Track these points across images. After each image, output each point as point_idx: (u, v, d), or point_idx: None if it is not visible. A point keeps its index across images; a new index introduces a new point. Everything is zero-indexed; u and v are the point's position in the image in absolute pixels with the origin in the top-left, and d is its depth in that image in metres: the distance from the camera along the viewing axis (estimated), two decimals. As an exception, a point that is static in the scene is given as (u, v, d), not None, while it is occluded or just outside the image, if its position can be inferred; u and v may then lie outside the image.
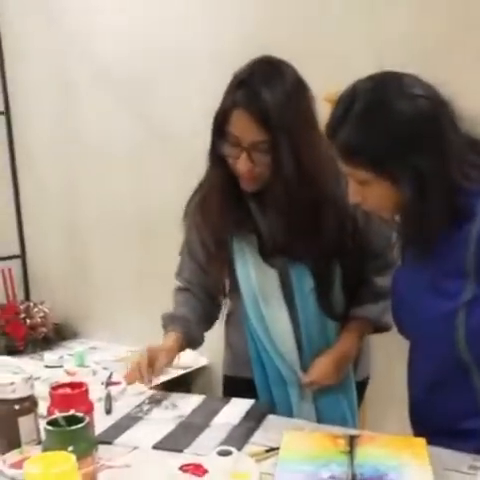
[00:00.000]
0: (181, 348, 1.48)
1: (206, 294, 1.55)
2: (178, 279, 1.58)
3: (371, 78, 1.09)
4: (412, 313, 1.17)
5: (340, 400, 1.46)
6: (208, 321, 1.56)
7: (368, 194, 1.10)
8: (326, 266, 1.40)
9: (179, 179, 1.71)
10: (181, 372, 2.48)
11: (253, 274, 1.41)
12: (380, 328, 1.50)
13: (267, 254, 1.41)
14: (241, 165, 1.32)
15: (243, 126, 1.30)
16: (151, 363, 1.40)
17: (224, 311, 1.57)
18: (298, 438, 1.15)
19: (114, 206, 2.68)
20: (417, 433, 1.25)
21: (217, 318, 1.57)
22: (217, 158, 1.37)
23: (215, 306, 1.56)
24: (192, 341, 1.52)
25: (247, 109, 1.29)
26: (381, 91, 1.07)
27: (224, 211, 1.41)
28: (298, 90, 1.33)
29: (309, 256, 1.38)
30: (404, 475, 1.00)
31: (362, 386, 1.55)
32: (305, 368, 1.44)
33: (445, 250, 1.10)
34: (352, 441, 1.12)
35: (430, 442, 1.11)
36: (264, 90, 1.28)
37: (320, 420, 1.43)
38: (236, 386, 1.54)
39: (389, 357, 1.84)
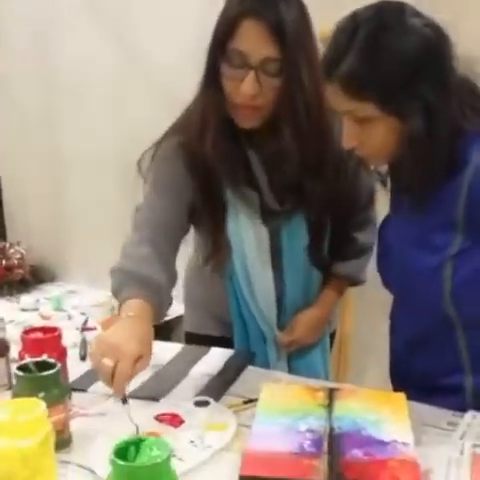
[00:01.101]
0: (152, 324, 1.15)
1: (169, 242, 1.28)
2: (138, 223, 1.28)
3: (371, 7, 1.04)
4: (398, 266, 1.17)
5: (315, 360, 1.47)
6: (174, 280, 1.28)
7: (368, 135, 1.06)
8: (322, 219, 1.38)
9: (161, 110, 1.62)
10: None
11: (244, 231, 1.35)
12: (357, 283, 1.51)
13: (264, 210, 1.35)
14: (247, 87, 1.18)
15: (254, 39, 1.16)
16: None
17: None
18: (277, 391, 1.15)
19: (94, 142, 2.63)
20: (397, 388, 1.26)
21: (177, 274, 1.31)
22: (213, 84, 1.23)
23: (174, 258, 1.30)
24: (162, 315, 1.22)
25: (260, 18, 1.15)
26: (385, 17, 1.01)
27: (219, 149, 1.26)
28: (307, 12, 1.23)
29: (310, 206, 1.34)
30: (382, 430, 1.01)
31: (331, 339, 1.56)
32: (283, 328, 1.44)
33: (434, 202, 1.09)
34: (331, 394, 1.13)
35: (410, 397, 1.12)
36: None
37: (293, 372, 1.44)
38: (198, 344, 1.50)
39: (372, 311, 1.86)
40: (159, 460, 0.76)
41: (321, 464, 0.92)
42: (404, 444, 0.97)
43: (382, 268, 1.24)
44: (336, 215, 1.40)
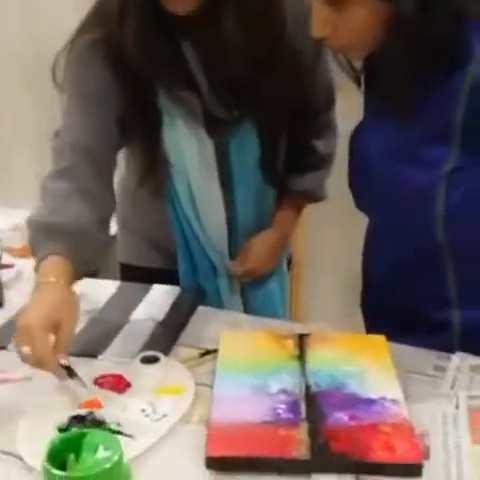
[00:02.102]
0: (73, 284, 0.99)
1: (97, 171, 1.08)
2: (57, 151, 1.09)
3: None
4: (379, 185, 1.02)
5: (272, 290, 1.34)
6: (107, 215, 1.12)
7: (344, 20, 0.87)
8: (275, 127, 1.20)
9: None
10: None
11: (185, 143, 1.17)
12: (317, 200, 1.36)
13: (207, 118, 1.16)
14: None
15: None
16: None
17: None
18: (238, 340, 1.01)
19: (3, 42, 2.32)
20: (371, 323, 1.15)
21: (113, 209, 1.15)
22: None
23: (109, 193, 1.13)
24: (91, 263, 1.07)
25: None
26: None
27: (143, 41, 1.05)
28: None
29: (260, 112, 1.16)
30: (366, 385, 0.89)
31: (288, 263, 1.43)
32: (235, 256, 1.29)
33: (426, 108, 0.93)
34: (301, 342, 0.99)
35: (388, 337, 1.01)
36: None
37: (248, 309, 1.31)
38: (136, 277, 1.34)
39: (325, 233, 1.74)
40: (108, 465, 0.61)
41: (301, 434, 0.79)
42: (394, 402, 0.86)
43: (357, 186, 1.09)
44: (291, 120, 1.23)
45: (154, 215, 1.28)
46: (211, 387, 0.91)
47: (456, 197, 0.95)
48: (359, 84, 1.06)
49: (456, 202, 0.95)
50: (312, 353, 0.96)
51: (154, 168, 1.19)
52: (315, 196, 1.34)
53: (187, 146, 1.17)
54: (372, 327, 1.14)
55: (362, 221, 1.12)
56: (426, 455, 0.78)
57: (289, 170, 1.29)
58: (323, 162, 1.32)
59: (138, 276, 1.33)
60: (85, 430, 0.65)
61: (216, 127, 1.17)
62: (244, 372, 0.92)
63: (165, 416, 0.86)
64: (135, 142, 1.19)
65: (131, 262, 1.39)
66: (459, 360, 1.00)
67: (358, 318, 1.18)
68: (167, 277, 1.27)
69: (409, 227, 1.01)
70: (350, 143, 1.10)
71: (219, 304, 1.28)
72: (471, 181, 0.94)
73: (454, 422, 0.85)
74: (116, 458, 0.61)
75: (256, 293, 1.33)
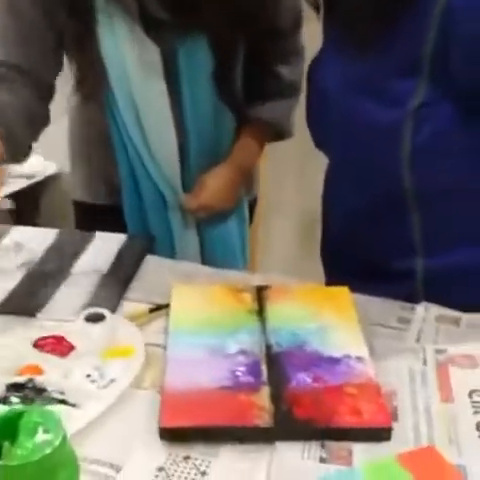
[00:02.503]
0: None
1: (31, 77, 1.10)
2: None
3: None
4: (341, 121, 0.95)
5: (230, 230, 1.27)
6: (36, 122, 1.14)
7: None
8: (228, 37, 1.11)
9: None
10: (26, 183, 2.17)
11: (125, 50, 1.07)
12: (282, 134, 1.28)
13: (146, 19, 1.06)
14: None
15: None
16: None
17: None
18: (192, 295, 0.94)
19: None
20: (331, 274, 1.11)
21: (47, 118, 1.17)
22: None
23: (43, 100, 1.15)
24: (16, 152, 1.09)
25: None
26: None
27: None
28: None
29: (214, 23, 1.07)
30: (329, 341, 0.84)
31: (251, 208, 1.36)
32: (189, 188, 1.22)
33: (393, 35, 0.86)
34: (260, 296, 0.94)
35: (350, 288, 0.96)
36: None
37: (205, 254, 1.25)
38: (93, 217, 1.29)
39: (281, 173, 1.67)
40: (49, 450, 0.54)
41: (262, 400, 0.74)
42: (358, 360, 0.81)
43: (315, 123, 1.02)
44: (251, 40, 1.14)
45: (102, 147, 1.20)
46: (163, 347, 0.85)
47: (423, 135, 0.89)
48: (318, 11, 0.98)
49: (423, 140, 0.89)
50: (272, 308, 0.91)
51: (90, 71, 1.12)
52: (279, 128, 1.26)
53: (126, 49, 1.09)
54: (332, 276, 1.09)
55: (320, 161, 1.06)
56: (394, 416, 0.75)
57: (250, 97, 1.22)
58: (288, 90, 1.24)
59: (91, 214, 1.27)
60: (21, 409, 0.58)
61: (158, 31, 1.08)
62: (199, 331, 0.86)
63: (113, 381, 0.80)
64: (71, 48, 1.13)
65: (84, 199, 1.32)
66: (424, 310, 0.96)
67: (316, 261, 1.14)
68: (117, 215, 1.22)
69: (372, 168, 0.95)
70: (308, 74, 1.03)
71: (171, 248, 1.22)
72: (439, 118, 0.88)
73: (422, 379, 0.81)
74: (58, 442, 0.55)
75: (212, 232, 1.27)
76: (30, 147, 1.14)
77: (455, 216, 0.95)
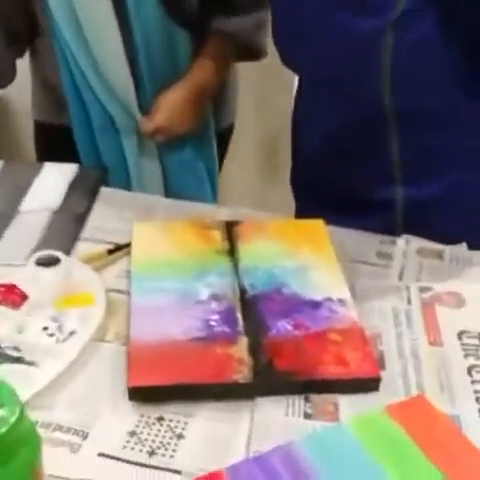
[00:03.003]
0: None
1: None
2: None
3: None
4: (313, 34, 0.87)
5: (196, 158, 1.19)
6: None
7: None
8: None
9: None
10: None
11: None
12: (251, 52, 1.19)
13: None
14: None
15: None
16: None
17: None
18: (154, 233, 0.87)
19: None
20: (303, 205, 1.05)
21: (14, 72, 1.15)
22: None
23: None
24: None
25: None
26: None
27: None
28: None
29: None
30: (308, 282, 0.79)
31: (224, 137, 1.28)
32: (145, 110, 1.13)
33: None
34: (230, 233, 0.87)
35: (325, 221, 0.90)
36: None
37: (169, 187, 1.18)
38: (53, 137, 1.22)
39: (255, 98, 1.58)
40: (4, 429, 0.48)
41: (240, 352, 0.69)
42: (341, 303, 0.76)
43: (285, 36, 0.94)
44: None
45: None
46: (125, 294, 0.79)
47: (404, 47, 0.82)
48: None
49: (404, 53, 0.83)
50: (244, 247, 0.85)
51: None
52: (247, 43, 1.16)
53: None
54: (304, 208, 1.03)
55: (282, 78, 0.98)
56: (381, 364, 0.71)
57: (214, 11, 1.11)
58: (254, 2, 1.14)
59: (55, 135, 1.20)
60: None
61: None
62: (165, 274, 0.79)
63: (73, 334, 0.73)
64: None
65: (42, 119, 1.24)
66: (404, 244, 0.91)
67: (281, 191, 1.08)
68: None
69: (350, 87, 0.88)
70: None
71: (127, 179, 1.14)
72: (419, 28, 0.81)
73: (407, 320, 0.77)
74: (14, 418, 0.49)
75: (174, 160, 1.19)
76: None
77: (437, 142, 0.89)
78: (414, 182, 0.93)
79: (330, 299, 0.76)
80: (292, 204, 1.08)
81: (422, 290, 0.82)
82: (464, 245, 0.91)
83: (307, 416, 0.64)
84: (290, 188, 1.08)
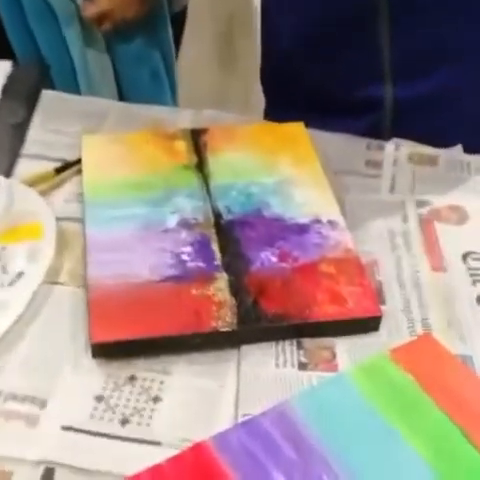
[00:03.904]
0: None
1: None
2: None
3: None
4: None
5: (150, 46, 1.06)
6: None
7: None
8: None
9: None
10: None
11: None
12: None
13: None
14: None
15: None
16: None
17: None
18: (108, 148, 0.75)
19: None
20: (275, 107, 0.94)
21: None
22: None
23: None
24: None
25: None
26: None
27: None
28: None
29: None
30: (292, 201, 0.70)
31: (177, 22, 1.14)
32: None
33: None
34: (197, 143, 0.76)
35: (306, 123, 0.80)
36: None
37: (121, 83, 1.05)
38: None
39: None
40: None
41: (220, 292, 0.60)
42: (331, 225, 0.67)
43: None
44: None
45: None
46: (78, 222, 0.68)
47: None
48: None
49: None
50: (214, 160, 0.74)
51: None
52: None
53: None
54: (276, 109, 0.92)
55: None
56: (381, 298, 0.63)
57: None
58: None
59: None
60: None
61: None
62: (124, 198, 0.69)
63: (21, 276, 0.63)
64: None
65: None
66: (394, 149, 0.82)
67: (240, 85, 0.96)
68: None
69: None
70: None
71: (67, 67, 1.01)
72: None
73: (405, 243, 0.69)
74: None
75: (125, 48, 1.07)
76: None
77: (431, 33, 0.78)
78: (405, 79, 0.83)
79: (319, 221, 0.67)
80: (256, 98, 0.97)
81: (419, 205, 0.73)
82: (460, 148, 0.82)
83: (302, 366, 0.57)
84: (250, 79, 0.97)
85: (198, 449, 0.50)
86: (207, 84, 1.48)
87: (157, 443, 0.51)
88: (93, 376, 0.55)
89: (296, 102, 0.88)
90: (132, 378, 0.55)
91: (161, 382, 0.55)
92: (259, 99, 1.00)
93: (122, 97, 1.05)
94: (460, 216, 0.72)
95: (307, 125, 0.80)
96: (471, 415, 0.53)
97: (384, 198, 0.75)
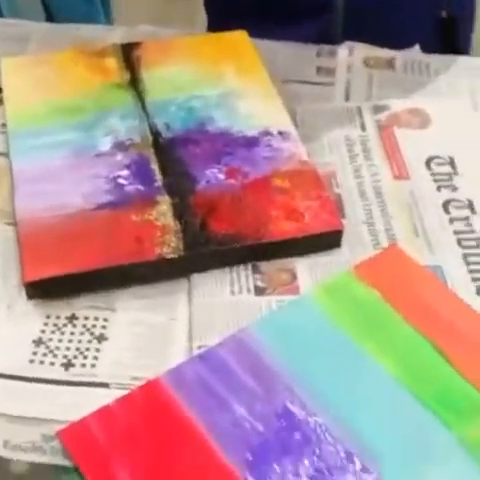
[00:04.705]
0: None
1: None
2: None
3: None
4: None
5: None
6: None
7: None
8: None
9: None
10: None
11: None
12: None
13: None
14: None
15: None
16: None
17: None
18: (31, 70, 0.69)
19: None
20: (216, 12, 0.88)
21: None
22: None
23: None
24: None
25: None
26: None
27: None
28: None
29: None
30: (237, 113, 0.65)
31: None
32: None
33: None
34: (129, 59, 0.70)
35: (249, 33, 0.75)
36: None
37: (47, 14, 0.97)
38: None
39: None
40: None
41: (162, 216, 0.56)
42: (283, 136, 0.63)
43: None
44: None
45: None
46: (4, 156, 0.63)
47: None
48: None
49: None
50: (150, 75, 0.68)
51: None
52: None
53: None
54: (218, 22, 0.86)
55: None
56: (341, 211, 0.59)
57: None
58: None
59: None
60: None
61: None
62: (52, 124, 0.63)
63: None
64: None
65: None
66: (347, 54, 0.77)
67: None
68: None
69: None
70: None
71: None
72: None
73: (364, 151, 0.65)
74: None
75: None
76: None
77: None
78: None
79: (268, 133, 0.63)
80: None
81: (376, 110, 0.69)
82: (417, 48, 0.78)
83: (259, 291, 0.53)
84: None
85: (149, 387, 0.46)
86: (145, 1, 1.41)
87: (105, 385, 0.48)
88: (30, 319, 0.51)
89: (239, 10, 0.82)
90: (73, 318, 0.51)
91: (105, 319, 0.51)
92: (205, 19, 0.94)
93: (50, 19, 0.97)
94: (422, 120, 0.69)
95: (251, 35, 0.75)
96: (442, 328, 0.50)
97: (339, 106, 0.70)
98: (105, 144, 0.61)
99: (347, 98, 0.72)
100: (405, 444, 0.44)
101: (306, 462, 0.43)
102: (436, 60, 0.76)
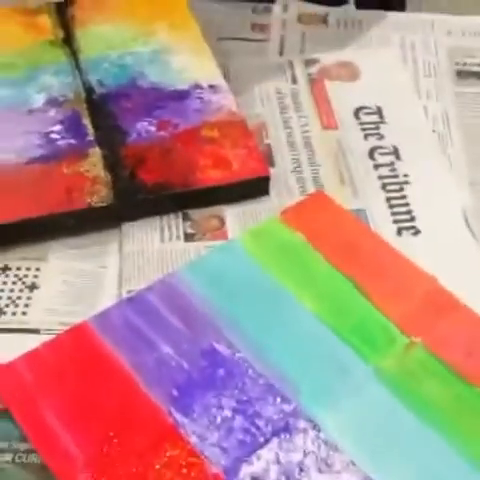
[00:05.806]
0: None
1: None
2: None
3: None
4: None
5: None
6: None
7: None
8: None
9: None
10: None
11: None
12: None
13: None
14: None
15: None
16: None
17: None
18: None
19: None
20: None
21: None
22: None
23: None
24: None
25: None
26: None
27: None
28: None
29: None
30: (168, 69, 0.64)
31: None
32: None
33: None
34: (64, 17, 0.69)
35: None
36: None
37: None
38: None
39: None
40: None
41: (93, 168, 0.55)
42: (213, 89, 0.63)
43: None
44: None
45: None
46: None
47: None
48: None
49: None
50: (83, 33, 0.67)
51: None
52: None
53: None
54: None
55: None
56: (270, 160, 0.60)
57: None
58: None
59: None
60: None
61: None
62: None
63: None
64: None
65: None
66: (282, 10, 0.77)
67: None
68: None
69: None
70: None
71: None
72: None
73: (295, 103, 0.65)
74: None
75: None
76: None
77: None
78: None
79: (199, 86, 0.62)
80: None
81: (308, 64, 0.69)
82: (351, 5, 0.78)
83: (188, 237, 0.53)
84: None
85: (77, 331, 0.46)
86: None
87: (35, 331, 0.48)
88: (-40, 271, 0.51)
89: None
90: (5, 268, 0.51)
91: (37, 269, 0.51)
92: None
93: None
94: (352, 72, 0.69)
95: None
96: (363, 266, 0.51)
97: (271, 61, 0.70)
98: (38, 101, 0.60)
99: (281, 53, 0.72)
100: (323, 376, 0.44)
101: (228, 395, 0.43)
102: (368, 16, 0.76)
